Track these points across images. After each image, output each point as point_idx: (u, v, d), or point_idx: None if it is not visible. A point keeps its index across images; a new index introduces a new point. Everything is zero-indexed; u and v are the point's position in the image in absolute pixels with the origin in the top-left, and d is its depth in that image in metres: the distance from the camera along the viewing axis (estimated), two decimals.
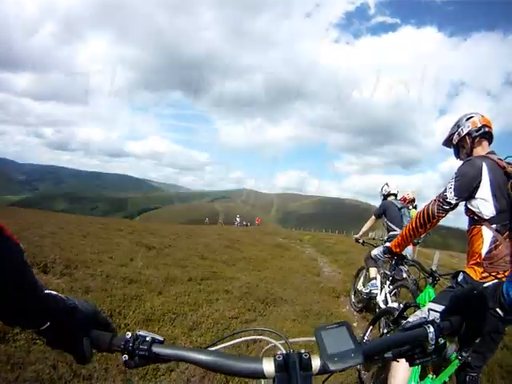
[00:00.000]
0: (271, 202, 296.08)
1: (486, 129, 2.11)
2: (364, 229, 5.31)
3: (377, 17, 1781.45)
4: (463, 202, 1.99)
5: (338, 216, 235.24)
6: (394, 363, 1.89)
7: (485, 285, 0.80)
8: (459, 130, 2.20)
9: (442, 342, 0.73)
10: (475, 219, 1.93)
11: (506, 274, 1.74)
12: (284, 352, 0.67)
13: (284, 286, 5.96)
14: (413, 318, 2.07)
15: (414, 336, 0.73)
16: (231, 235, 13.80)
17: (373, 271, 4.67)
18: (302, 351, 0.64)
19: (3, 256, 0.54)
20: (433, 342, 0.71)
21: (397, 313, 2.60)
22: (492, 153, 2.05)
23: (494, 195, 1.84)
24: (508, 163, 1.92)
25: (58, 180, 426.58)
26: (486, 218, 1.86)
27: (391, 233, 4.61)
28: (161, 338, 0.67)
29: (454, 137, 2.24)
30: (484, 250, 1.84)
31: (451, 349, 0.89)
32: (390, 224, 4.71)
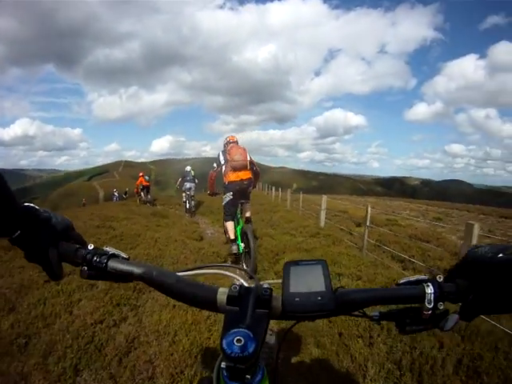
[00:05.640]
0: (149, 170, 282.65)
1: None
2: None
3: None
4: None
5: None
6: None
7: None
8: None
9: (442, 308, 0.55)
10: None
11: None
12: (244, 284, 0.60)
13: (160, 260, 5.01)
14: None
15: (407, 293, 0.56)
16: (106, 212, 12.05)
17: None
18: (265, 285, 0.55)
19: None
20: (430, 306, 0.54)
21: None
22: None
23: None
24: None
25: None
26: None
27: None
28: (125, 255, 0.67)
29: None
30: None
31: (452, 320, 0.54)
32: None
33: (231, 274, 0.73)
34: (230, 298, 0.54)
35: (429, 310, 0.54)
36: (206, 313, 3.25)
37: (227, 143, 5.16)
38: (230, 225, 5.09)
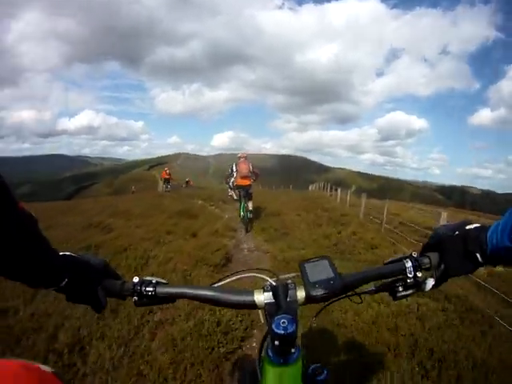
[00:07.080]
0: (208, 163, 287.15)
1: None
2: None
3: None
4: None
5: (279, 171, 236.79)
6: None
7: (467, 227, 0.71)
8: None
9: (421, 275, 0.72)
10: None
11: None
12: (272, 282, 0.74)
13: None
14: None
15: (392, 269, 0.74)
16: (125, 205, 9.88)
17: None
18: (289, 281, 0.70)
19: (21, 224, 0.57)
20: (411, 275, 0.71)
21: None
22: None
23: None
24: None
25: None
26: None
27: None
28: (165, 281, 0.76)
29: None
30: None
31: (430, 283, 0.73)
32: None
33: (259, 275, 0.81)
34: (267, 296, 0.69)
35: (411, 278, 0.71)
36: None
37: (239, 157, 8.09)
38: (235, 193, 9.10)
